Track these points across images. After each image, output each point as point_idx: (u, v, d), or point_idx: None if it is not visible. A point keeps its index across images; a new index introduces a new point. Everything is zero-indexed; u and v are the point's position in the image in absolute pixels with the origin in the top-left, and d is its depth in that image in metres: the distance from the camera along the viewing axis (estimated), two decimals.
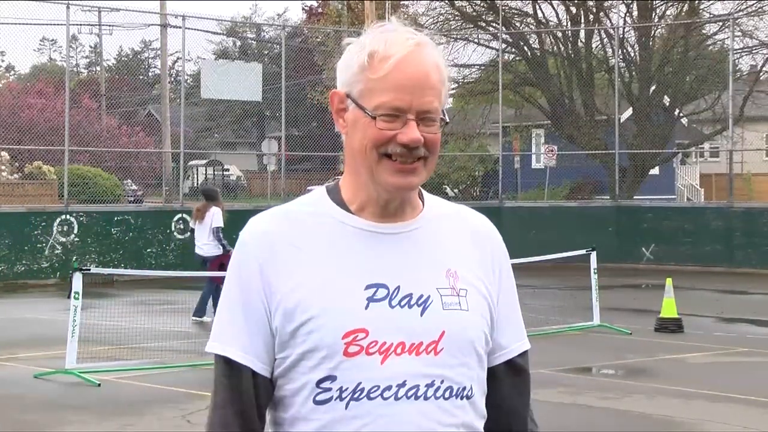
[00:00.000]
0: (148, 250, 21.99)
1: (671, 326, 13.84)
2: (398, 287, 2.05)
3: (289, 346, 2.04)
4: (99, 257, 21.33)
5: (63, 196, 22.51)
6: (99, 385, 10.13)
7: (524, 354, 2.26)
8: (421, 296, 2.06)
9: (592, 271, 14.27)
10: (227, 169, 45.26)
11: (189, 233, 17.54)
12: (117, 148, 31.01)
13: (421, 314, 2.05)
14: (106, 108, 37.70)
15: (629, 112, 30.46)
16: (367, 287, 2.04)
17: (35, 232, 20.90)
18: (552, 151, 29.44)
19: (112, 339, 12.77)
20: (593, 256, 14.31)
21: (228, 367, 2.09)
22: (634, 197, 28.88)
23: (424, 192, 2.19)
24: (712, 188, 38.64)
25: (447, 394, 2.04)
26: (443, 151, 31.92)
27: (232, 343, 2.08)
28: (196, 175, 44.47)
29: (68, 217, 21.26)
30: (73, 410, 9.29)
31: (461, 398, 2.07)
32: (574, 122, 29.51)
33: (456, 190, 33.68)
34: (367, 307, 2.03)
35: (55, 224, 21.07)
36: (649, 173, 31.03)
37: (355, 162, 2.10)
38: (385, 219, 2.10)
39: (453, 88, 33.48)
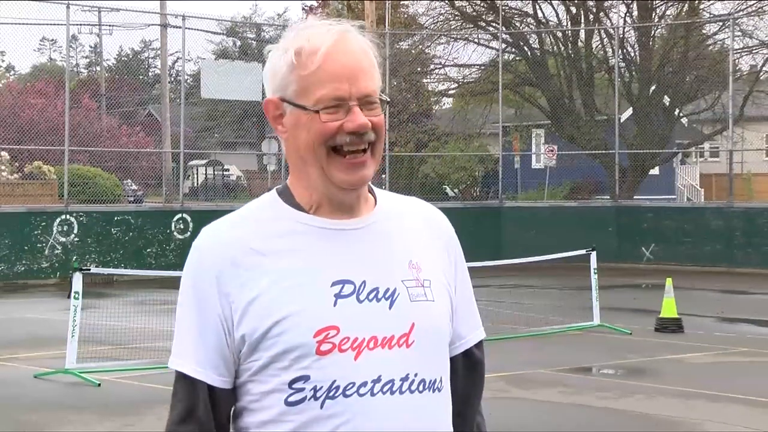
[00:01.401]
0: (148, 250, 21.99)
1: (671, 326, 13.84)
2: (364, 282, 2.04)
3: (258, 350, 2.00)
4: (99, 257, 21.33)
5: (63, 196, 22.51)
6: (99, 385, 10.13)
7: (480, 344, 2.26)
8: (388, 289, 2.05)
9: (592, 271, 14.27)
10: (227, 169, 45.24)
11: None
12: (117, 148, 30.99)
13: (390, 307, 2.04)
14: (106, 108, 37.67)
15: (629, 112, 30.46)
16: (334, 284, 2.02)
17: (35, 232, 20.90)
18: (552, 151, 29.43)
19: (112, 339, 12.77)
20: (593, 256, 14.30)
21: (184, 381, 2.07)
22: (634, 197, 28.88)
23: (373, 186, 2.18)
24: (712, 188, 38.63)
25: (421, 387, 2.03)
26: (443, 151, 31.95)
27: (187, 357, 2.07)
28: (196, 175, 44.43)
29: (68, 217, 21.26)
30: (73, 410, 9.29)
31: (433, 391, 2.06)
32: (574, 122, 29.51)
33: (456, 190, 33.66)
34: (335, 304, 2.01)
35: (55, 224, 21.07)
36: (649, 173, 31.04)
37: (303, 163, 2.07)
38: (341, 216, 2.08)
39: (453, 88, 33.52)
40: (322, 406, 1.97)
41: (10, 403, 9.56)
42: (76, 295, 10.63)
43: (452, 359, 2.17)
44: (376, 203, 2.14)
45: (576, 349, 12.61)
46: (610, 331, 13.76)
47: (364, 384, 1.98)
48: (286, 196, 2.11)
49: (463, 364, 2.22)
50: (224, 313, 2.03)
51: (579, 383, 10.54)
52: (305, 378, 1.98)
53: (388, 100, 2.10)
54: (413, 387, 2.02)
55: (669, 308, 14.00)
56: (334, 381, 1.97)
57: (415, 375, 2.02)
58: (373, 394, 1.98)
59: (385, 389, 1.99)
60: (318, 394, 1.97)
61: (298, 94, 2.04)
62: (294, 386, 1.98)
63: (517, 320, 14.86)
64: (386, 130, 2.15)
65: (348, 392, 1.97)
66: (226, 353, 2.04)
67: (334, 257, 2.05)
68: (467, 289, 2.24)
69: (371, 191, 2.16)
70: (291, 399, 1.99)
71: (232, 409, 2.09)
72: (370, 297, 2.03)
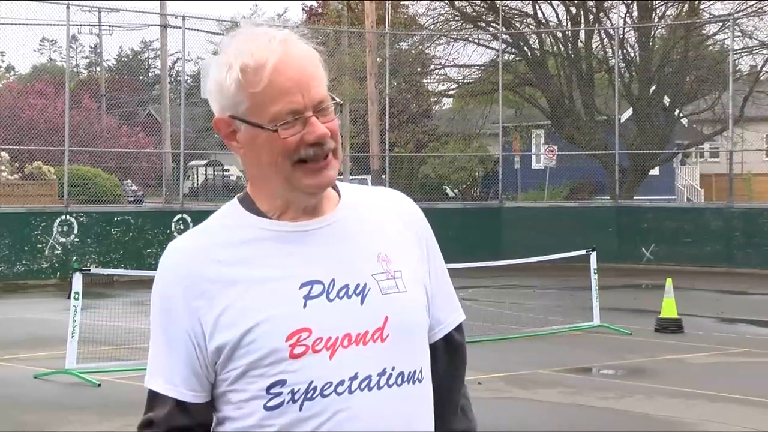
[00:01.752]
0: (148, 250, 21.99)
1: (671, 326, 13.83)
2: (333, 280, 2.03)
3: (233, 360, 2.00)
4: (99, 257, 21.33)
5: (63, 196, 22.51)
6: (99, 385, 10.13)
7: (460, 327, 2.25)
8: (358, 285, 2.04)
9: (592, 271, 14.26)
10: (227, 170, 45.22)
11: None
12: (117, 148, 31.00)
13: (362, 303, 2.03)
14: (106, 108, 37.68)
15: (629, 112, 30.45)
16: (302, 286, 2.01)
17: (35, 232, 20.90)
18: (552, 151, 29.44)
19: (112, 339, 12.77)
20: (593, 256, 14.30)
21: (154, 397, 2.07)
22: (634, 197, 28.89)
23: (338, 182, 2.15)
24: (712, 188, 38.64)
25: (399, 381, 2.02)
26: (443, 151, 31.95)
27: (158, 374, 2.06)
28: (196, 176, 44.43)
29: (68, 217, 21.26)
30: (73, 410, 9.29)
31: (413, 382, 2.05)
32: (574, 122, 29.51)
33: (456, 191, 33.68)
34: (305, 306, 2.00)
35: (55, 224, 21.07)
36: (649, 173, 31.03)
37: (265, 176, 2.05)
38: (305, 218, 2.07)
39: (453, 89, 33.50)
40: (301, 408, 1.97)
41: (10, 403, 9.56)
42: (76, 296, 10.63)
43: (433, 345, 2.17)
44: (340, 199, 2.13)
45: (576, 349, 12.61)
46: (610, 332, 13.76)
47: (342, 382, 1.98)
48: (248, 203, 2.09)
49: (444, 349, 2.21)
50: (193, 329, 2.02)
51: (579, 383, 10.54)
52: (282, 382, 1.97)
53: (341, 102, 2.08)
54: (391, 381, 2.01)
55: (669, 308, 14.00)
56: (311, 382, 1.97)
57: (393, 369, 2.02)
58: (351, 392, 1.98)
59: (362, 386, 1.99)
60: (296, 397, 1.97)
61: (251, 112, 2.01)
62: (272, 391, 1.98)
63: (517, 320, 14.86)
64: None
65: (326, 392, 1.97)
66: (197, 368, 2.03)
67: (300, 259, 2.04)
68: (442, 274, 2.22)
69: (334, 187, 2.14)
70: (270, 404, 1.98)
71: (213, 418, 2.08)
72: (341, 295, 2.02)
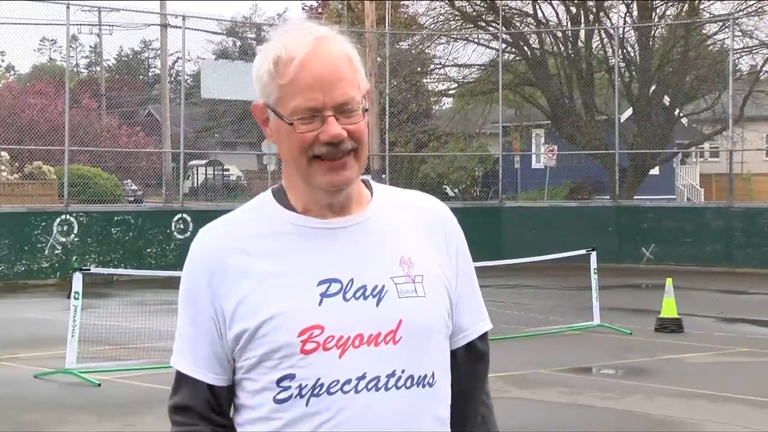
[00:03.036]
0: (148, 250, 21.98)
1: (671, 326, 13.83)
2: (351, 280, 2.05)
3: (248, 350, 2.04)
4: (99, 257, 21.33)
5: (63, 196, 22.51)
6: (99, 385, 10.13)
7: (484, 336, 2.25)
8: (376, 287, 2.06)
9: (592, 271, 14.26)
10: (227, 169, 45.21)
11: None
12: (117, 148, 30.99)
13: (377, 305, 2.05)
14: (106, 108, 37.66)
15: (629, 112, 30.46)
16: (320, 283, 2.04)
17: (35, 232, 20.90)
18: (552, 151, 29.43)
19: (112, 339, 12.77)
20: (593, 256, 14.30)
21: (181, 379, 2.14)
22: (634, 197, 28.88)
23: (373, 183, 2.18)
24: (712, 188, 38.63)
25: (408, 383, 2.04)
26: (443, 151, 31.95)
27: (184, 356, 2.13)
28: (196, 175, 44.41)
29: (68, 217, 21.26)
30: (73, 410, 9.29)
31: (423, 386, 2.06)
32: (574, 122, 29.51)
33: (456, 190, 33.67)
34: (320, 303, 2.03)
35: (55, 224, 21.07)
36: (649, 173, 31.04)
37: (289, 168, 2.10)
38: (332, 215, 2.10)
39: (453, 88, 33.51)
40: (307, 404, 2.00)
41: (10, 403, 9.56)
42: (76, 295, 10.62)
43: (454, 352, 2.18)
44: (372, 199, 2.15)
45: (576, 349, 12.61)
46: (610, 331, 13.75)
47: (348, 381, 2.00)
48: (280, 196, 2.14)
49: (466, 357, 2.21)
50: (216, 316, 2.07)
51: (579, 383, 10.54)
52: (291, 377, 2.01)
53: (366, 107, 2.09)
54: (400, 383, 2.03)
55: (669, 308, 14.00)
56: (319, 379, 2.00)
57: (402, 371, 2.03)
58: (357, 391, 2.00)
59: (369, 386, 2.01)
60: (303, 392, 2.00)
61: (278, 103, 2.06)
62: (281, 384, 2.02)
63: (517, 320, 14.86)
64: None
65: (332, 390, 2.00)
66: (219, 353, 2.09)
67: (322, 256, 2.06)
68: (470, 282, 2.23)
69: (369, 187, 2.16)
70: (279, 397, 2.02)
71: (233, 402, 2.14)
72: (357, 295, 2.05)
